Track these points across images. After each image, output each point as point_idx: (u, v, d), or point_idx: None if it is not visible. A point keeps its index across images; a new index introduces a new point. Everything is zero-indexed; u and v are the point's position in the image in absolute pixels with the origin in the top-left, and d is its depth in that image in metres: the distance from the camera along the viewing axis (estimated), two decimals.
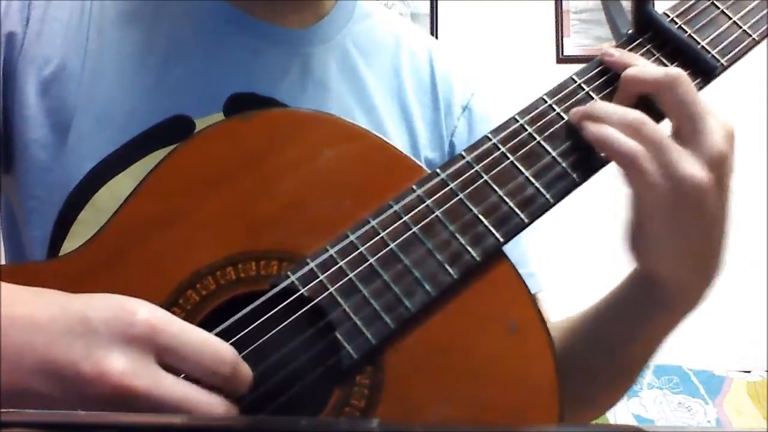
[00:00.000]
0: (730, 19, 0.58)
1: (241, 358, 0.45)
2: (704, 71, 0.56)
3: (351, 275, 0.49)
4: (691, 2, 0.59)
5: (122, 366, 0.40)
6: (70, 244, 0.59)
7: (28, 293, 0.45)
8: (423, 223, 0.51)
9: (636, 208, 0.54)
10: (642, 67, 0.54)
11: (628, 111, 0.52)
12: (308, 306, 0.49)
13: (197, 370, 0.43)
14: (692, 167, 0.50)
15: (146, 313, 0.42)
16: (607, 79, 0.56)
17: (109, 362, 0.40)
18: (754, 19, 0.58)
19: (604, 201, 1.36)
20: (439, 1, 2.35)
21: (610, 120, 0.52)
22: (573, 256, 2.08)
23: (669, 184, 0.50)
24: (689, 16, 0.58)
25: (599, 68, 0.57)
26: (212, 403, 0.43)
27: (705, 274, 0.55)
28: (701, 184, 0.50)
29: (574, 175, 0.53)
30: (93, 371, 0.40)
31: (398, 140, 0.69)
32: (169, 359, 0.42)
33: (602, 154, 0.54)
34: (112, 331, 0.41)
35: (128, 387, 0.40)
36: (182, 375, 0.43)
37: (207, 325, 0.48)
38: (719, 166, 0.51)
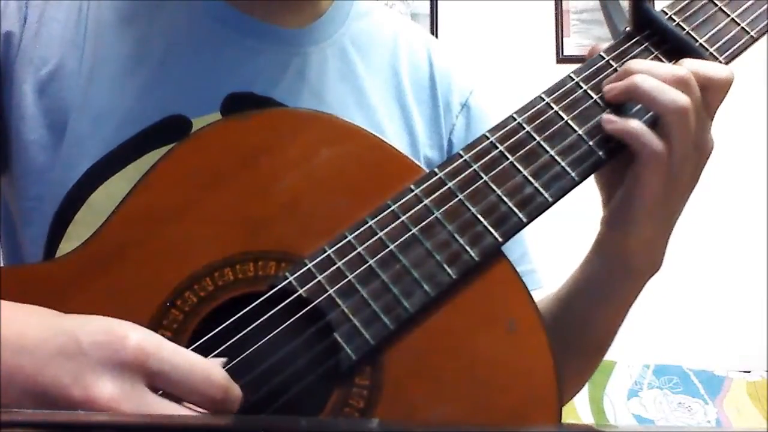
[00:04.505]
0: (728, 16, 0.58)
1: (231, 380, 0.44)
2: None
3: (350, 276, 0.49)
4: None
5: (110, 391, 0.40)
6: (66, 245, 0.59)
7: (20, 312, 0.45)
8: (421, 223, 0.51)
9: (636, 180, 0.54)
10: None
11: (674, 69, 0.53)
12: (307, 307, 0.49)
13: (187, 393, 0.42)
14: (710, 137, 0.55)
15: (136, 338, 0.42)
16: (605, 77, 0.56)
17: (97, 387, 0.40)
18: (752, 17, 0.58)
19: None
20: (439, 1, 2.35)
21: (657, 73, 0.53)
22: (572, 255, 2.08)
23: (693, 152, 0.54)
24: (687, 14, 0.58)
25: (597, 66, 0.57)
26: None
27: (669, 236, 0.59)
28: (711, 150, 0.55)
29: (573, 174, 0.53)
30: (81, 396, 0.40)
31: (397, 139, 0.69)
32: (160, 383, 0.42)
33: (600, 153, 0.54)
34: (101, 355, 0.41)
35: (117, 412, 0.40)
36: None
37: (205, 327, 0.48)
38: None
